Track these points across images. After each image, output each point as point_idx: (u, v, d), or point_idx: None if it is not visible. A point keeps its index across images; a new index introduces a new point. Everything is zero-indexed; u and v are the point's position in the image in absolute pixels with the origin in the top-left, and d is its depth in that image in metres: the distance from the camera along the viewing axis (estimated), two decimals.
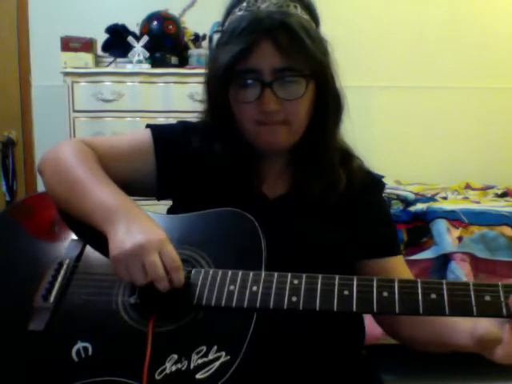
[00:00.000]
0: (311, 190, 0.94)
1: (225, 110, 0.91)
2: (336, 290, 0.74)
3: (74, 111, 2.63)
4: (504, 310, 0.68)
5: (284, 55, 0.85)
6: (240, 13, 0.88)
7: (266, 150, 0.94)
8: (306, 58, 0.86)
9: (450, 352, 0.86)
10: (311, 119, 0.92)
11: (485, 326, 0.73)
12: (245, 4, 0.88)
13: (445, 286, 0.71)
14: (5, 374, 0.77)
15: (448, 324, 0.82)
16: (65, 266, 0.85)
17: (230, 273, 0.79)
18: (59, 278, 0.84)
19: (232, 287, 0.77)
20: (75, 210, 0.87)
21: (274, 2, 0.87)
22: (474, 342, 0.75)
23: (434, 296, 0.71)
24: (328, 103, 0.92)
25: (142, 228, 0.78)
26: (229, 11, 0.91)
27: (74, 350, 0.75)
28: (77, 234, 0.87)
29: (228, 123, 0.93)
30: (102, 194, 0.84)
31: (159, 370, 0.71)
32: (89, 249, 0.88)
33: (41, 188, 3.13)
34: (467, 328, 0.77)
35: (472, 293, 0.70)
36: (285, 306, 0.75)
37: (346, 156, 0.99)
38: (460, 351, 0.81)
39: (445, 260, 2.01)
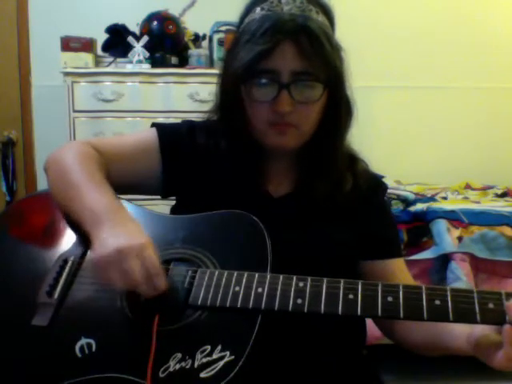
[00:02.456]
0: (316, 191, 0.94)
1: (236, 107, 0.91)
2: (341, 293, 0.75)
3: (74, 111, 2.62)
4: (507, 318, 0.69)
5: (304, 59, 0.85)
6: (263, 12, 0.88)
7: (274, 150, 0.94)
8: (325, 64, 0.86)
9: (446, 355, 0.86)
10: (321, 123, 0.92)
11: (482, 330, 0.73)
12: (267, 3, 0.88)
13: (449, 293, 0.72)
14: (8, 369, 0.77)
15: (445, 328, 0.82)
16: (69, 263, 0.86)
17: (235, 274, 0.79)
18: (64, 275, 0.84)
19: (237, 288, 0.77)
20: (69, 212, 0.89)
21: (298, 5, 0.87)
22: (471, 346, 0.75)
23: (438, 302, 0.71)
24: (339, 110, 0.92)
25: (125, 233, 0.78)
26: (249, 8, 0.91)
27: (77, 346, 0.76)
28: (81, 232, 0.87)
29: (236, 121, 0.93)
30: (93, 198, 0.84)
31: (163, 368, 0.72)
32: None
33: (41, 188, 3.12)
34: (465, 332, 0.77)
35: (476, 300, 0.70)
36: (290, 308, 0.75)
37: (353, 159, 1.00)
38: (458, 355, 0.81)
39: (445, 260, 2.01)
